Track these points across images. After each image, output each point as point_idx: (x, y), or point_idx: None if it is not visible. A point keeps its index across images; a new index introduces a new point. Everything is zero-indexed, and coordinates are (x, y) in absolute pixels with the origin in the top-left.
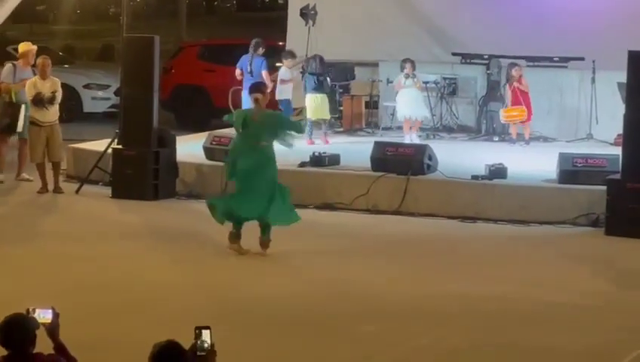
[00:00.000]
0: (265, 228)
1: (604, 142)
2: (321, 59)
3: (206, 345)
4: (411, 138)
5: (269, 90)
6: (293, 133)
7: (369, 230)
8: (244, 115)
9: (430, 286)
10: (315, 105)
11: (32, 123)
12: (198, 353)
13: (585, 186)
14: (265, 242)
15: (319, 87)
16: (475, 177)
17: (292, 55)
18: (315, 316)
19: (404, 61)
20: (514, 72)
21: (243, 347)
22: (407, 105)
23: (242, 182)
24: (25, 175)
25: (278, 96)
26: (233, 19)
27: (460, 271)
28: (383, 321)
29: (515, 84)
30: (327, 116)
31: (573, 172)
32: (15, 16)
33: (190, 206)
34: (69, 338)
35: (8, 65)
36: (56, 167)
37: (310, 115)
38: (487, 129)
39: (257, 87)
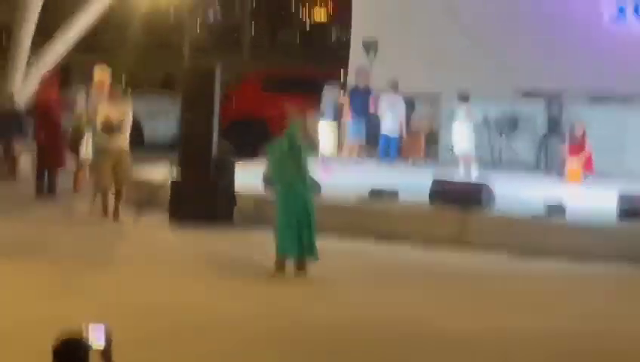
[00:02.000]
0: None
1: None
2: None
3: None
4: (468, 172)
5: None
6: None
7: (427, 264)
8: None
9: (489, 321)
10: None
11: (100, 149)
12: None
13: None
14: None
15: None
16: (534, 216)
17: (396, 86)
18: (371, 348)
19: (461, 96)
20: (577, 128)
21: None
22: (463, 140)
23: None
24: (76, 200)
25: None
26: (296, 51)
27: (516, 307)
28: (443, 355)
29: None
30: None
31: (633, 211)
32: (82, 44)
33: (247, 234)
34: None
35: (82, 92)
36: (118, 193)
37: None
38: (546, 165)
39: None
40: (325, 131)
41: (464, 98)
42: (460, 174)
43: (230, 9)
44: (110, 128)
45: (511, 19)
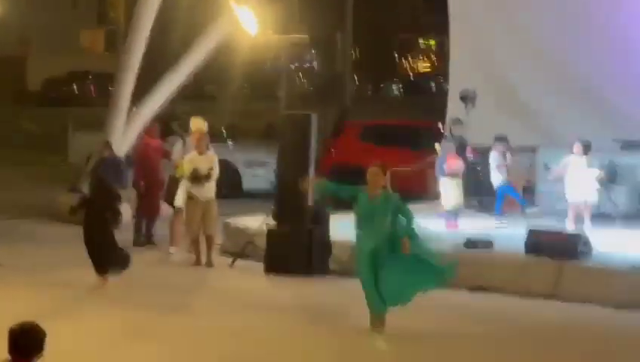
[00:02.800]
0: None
1: None
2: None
3: None
4: (580, 224)
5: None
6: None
7: (521, 315)
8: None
9: None
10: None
11: (189, 198)
12: None
13: None
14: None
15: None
16: (633, 266)
17: (503, 139)
18: None
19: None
20: None
21: None
22: (578, 187)
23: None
24: (173, 248)
25: (493, 181)
26: (399, 102)
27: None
28: None
29: None
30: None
31: None
32: (184, 93)
33: (342, 284)
34: None
35: (179, 142)
36: (209, 240)
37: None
38: None
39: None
40: (447, 185)
41: (587, 147)
42: (569, 225)
43: (332, 60)
44: (199, 178)
45: (606, 68)
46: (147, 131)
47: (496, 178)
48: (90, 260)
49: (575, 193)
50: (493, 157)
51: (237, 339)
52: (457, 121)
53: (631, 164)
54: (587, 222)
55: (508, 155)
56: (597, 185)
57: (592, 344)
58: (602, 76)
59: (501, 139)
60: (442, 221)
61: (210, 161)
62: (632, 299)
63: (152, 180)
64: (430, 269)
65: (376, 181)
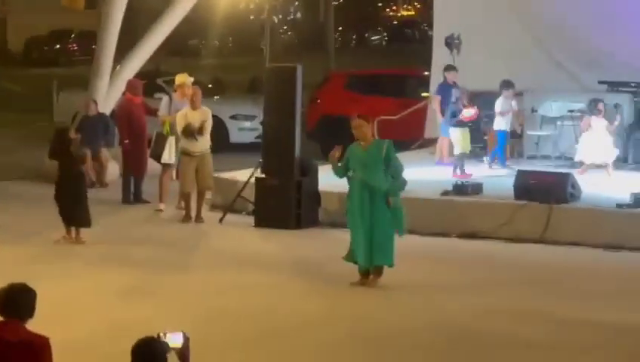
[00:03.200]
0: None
1: None
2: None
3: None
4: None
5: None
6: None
7: (511, 259)
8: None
9: (573, 315)
10: (464, 138)
11: (183, 153)
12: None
13: None
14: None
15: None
16: (619, 206)
17: (510, 85)
18: (454, 346)
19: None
20: None
21: None
22: (597, 150)
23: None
24: (162, 205)
25: (495, 127)
26: (383, 51)
27: (603, 301)
28: (527, 351)
29: None
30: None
31: None
32: (168, 49)
33: (332, 235)
34: None
35: (165, 98)
36: (201, 196)
37: (461, 148)
38: (634, 157)
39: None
40: (456, 133)
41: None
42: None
43: (315, 10)
44: (192, 133)
45: (588, 10)
46: (130, 88)
47: (498, 123)
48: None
49: (592, 155)
50: (499, 103)
51: (227, 295)
52: (451, 68)
53: (617, 105)
54: (612, 175)
55: (514, 102)
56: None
57: (585, 284)
58: (591, 24)
59: (508, 84)
60: (444, 168)
61: (204, 115)
62: (620, 239)
63: (137, 137)
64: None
65: (361, 132)
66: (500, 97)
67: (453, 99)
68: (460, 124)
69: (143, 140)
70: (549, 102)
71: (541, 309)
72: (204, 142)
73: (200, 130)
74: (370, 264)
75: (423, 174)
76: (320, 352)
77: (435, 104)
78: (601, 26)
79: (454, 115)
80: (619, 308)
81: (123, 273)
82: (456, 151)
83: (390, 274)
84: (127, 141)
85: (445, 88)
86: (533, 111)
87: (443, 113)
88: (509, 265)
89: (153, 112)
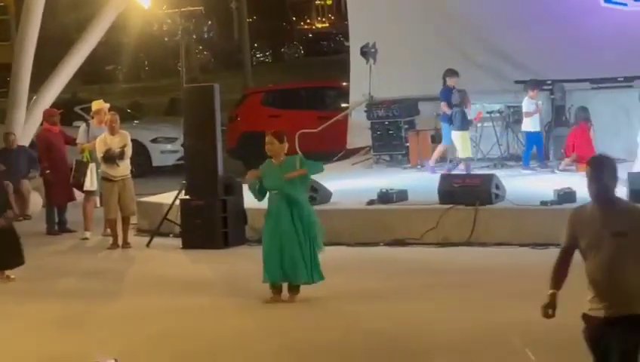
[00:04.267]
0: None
1: None
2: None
3: None
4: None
5: None
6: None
7: (440, 263)
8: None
9: (503, 316)
10: (467, 141)
11: (105, 178)
12: None
13: None
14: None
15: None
16: (544, 203)
17: (534, 84)
18: (385, 351)
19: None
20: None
21: None
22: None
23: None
24: (87, 233)
25: (523, 128)
26: (300, 64)
27: (532, 299)
28: (454, 354)
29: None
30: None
31: None
32: (85, 76)
33: (260, 252)
34: None
35: (83, 126)
36: (126, 221)
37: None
38: (554, 154)
39: (274, 134)
40: (460, 138)
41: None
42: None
43: (229, 27)
44: (112, 158)
45: (503, 10)
46: (47, 118)
47: (526, 125)
48: None
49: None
50: (525, 104)
51: (159, 318)
52: (452, 73)
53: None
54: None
55: (539, 102)
56: None
57: (511, 283)
58: (504, 23)
59: (532, 84)
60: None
61: (123, 139)
62: (546, 236)
63: (57, 167)
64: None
65: (272, 149)
66: (525, 98)
67: (456, 102)
68: (470, 124)
69: (65, 169)
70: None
71: (469, 311)
72: (124, 168)
73: (121, 155)
74: (282, 279)
75: (347, 185)
76: None
77: (444, 108)
78: (515, 27)
79: (465, 115)
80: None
81: (52, 305)
82: (463, 155)
83: (320, 286)
84: (48, 171)
85: (447, 92)
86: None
87: (451, 118)
88: (437, 269)
89: (71, 141)
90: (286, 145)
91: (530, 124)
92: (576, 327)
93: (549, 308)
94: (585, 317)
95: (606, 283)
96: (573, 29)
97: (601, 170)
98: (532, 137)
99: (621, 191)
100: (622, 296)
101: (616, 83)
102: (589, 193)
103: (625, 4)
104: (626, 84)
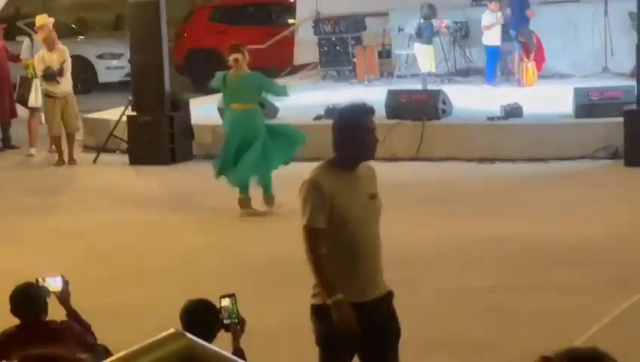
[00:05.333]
0: (264, 186)
1: (621, 74)
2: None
3: (232, 314)
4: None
5: None
6: (275, 94)
7: (387, 178)
8: (222, 77)
9: (452, 230)
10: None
11: (47, 95)
12: (225, 321)
13: (602, 119)
14: (267, 198)
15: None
16: (490, 118)
17: None
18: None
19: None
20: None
21: (268, 303)
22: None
23: (227, 145)
24: (32, 150)
25: (484, 42)
26: None
27: (480, 213)
28: (407, 267)
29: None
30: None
31: (589, 106)
32: None
33: (207, 167)
34: (91, 306)
35: (26, 40)
36: (70, 138)
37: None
38: (501, 70)
39: (237, 48)
40: (421, 50)
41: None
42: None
43: None
44: (52, 75)
45: None
46: None
47: (486, 38)
48: None
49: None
50: (484, 17)
51: (106, 234)
52: None
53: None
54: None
55: (499, 14)
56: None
57: (452, 195)
58: None
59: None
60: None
61: (61, 55)
62: (492, 151)
63: (0, 83)
64: (285, 140)
65: (240, 63)
66: (486, 11)
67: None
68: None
69: (8, 85)
70: (415, 19)
71: (417, 224)
72: (66, 84)
73: (60, 72)
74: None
75: (294, 100)
76: (203, 281)
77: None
78: None
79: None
80: (493, 220)
81: None
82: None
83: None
84: None
85: None
86: (400, 30)
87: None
88: (385, 184)
89: (14, 58)
90: (247, 58)
91: (490, 38)
92: (527, 238)
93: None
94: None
95: (375, 257)
96: None
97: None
98: (492, 51)
99: (568, 106)
100: (380, 272)
101: None
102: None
103: None
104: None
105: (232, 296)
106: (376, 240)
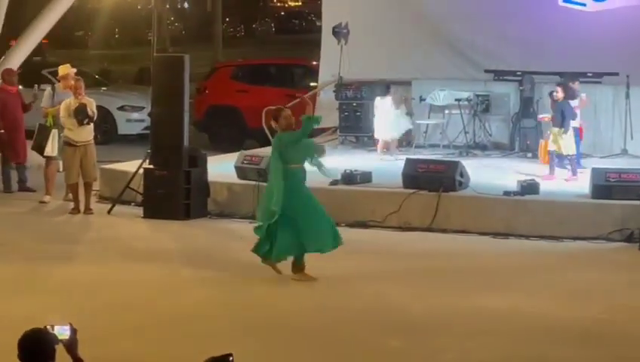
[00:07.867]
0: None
1: (639, 157)
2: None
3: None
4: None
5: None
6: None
7: (400, 247)
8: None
9: (459, 302)
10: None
11: (67, 143)
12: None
13: (619, 201)
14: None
15: None
16: (507, 193)
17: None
18: (342, 330)
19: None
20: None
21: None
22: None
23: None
24: (47, 197)
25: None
26: (271, 41)
27: (490, 287)
28: (410, 336)
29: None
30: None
31: (606, 187)
32: (54, 42)
33: (221, 225)
34: (96, 356)
35: (48, 89)
36: (88, 187)
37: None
38: (520, 146)
39: (273, 115)
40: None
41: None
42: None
43: (202, 0)
44: (84, 113)
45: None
46: (4, 77)
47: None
48: None
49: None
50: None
51: (115, 286)
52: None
53: (503, 94)
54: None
55: (584, 94)
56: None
57: (463, 268)
58: (468, 15)
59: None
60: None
61: (88, 105)
62: (508, 227)
63: (12, 127)
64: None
65: (291, 122)
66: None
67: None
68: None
69: (20, 129)
70: (436, 91)
71: (424, 295)
72: (87, 133)
73: (92, 118)
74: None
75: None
76: (210, 338)
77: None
78: (486, 17)
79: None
80: (500, 295)
81: (8, 266)
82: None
83: (279, 265)
84: (2, 131)
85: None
86: (422, 100)
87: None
88: (397, 253)
89: (27, 108)
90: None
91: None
92: (534, 314)
93: None
94: None
95: None
96: (545, 21)
97: None
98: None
99: (585, 186)
100: None
101: (586, 78)
102: None
103: (584, 4)
104: (595, 80)
105: (228, 356)
106: None
